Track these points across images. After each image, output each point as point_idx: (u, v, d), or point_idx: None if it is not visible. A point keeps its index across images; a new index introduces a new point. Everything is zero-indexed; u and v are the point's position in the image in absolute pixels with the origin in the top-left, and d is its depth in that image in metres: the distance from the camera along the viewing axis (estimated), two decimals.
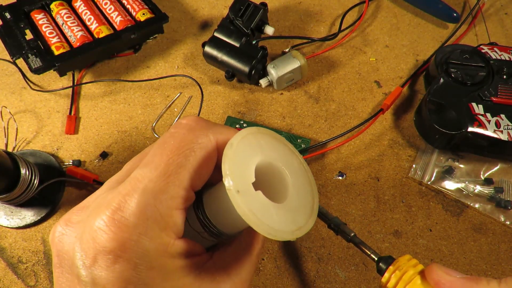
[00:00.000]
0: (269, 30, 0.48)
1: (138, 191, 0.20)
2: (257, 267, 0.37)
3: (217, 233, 0.24)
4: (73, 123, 0.45)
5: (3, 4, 0.49)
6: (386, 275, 0.24)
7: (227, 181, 0.19)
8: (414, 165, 0.42)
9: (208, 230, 0.23)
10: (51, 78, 0.49)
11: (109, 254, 0.19)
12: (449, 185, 0.40)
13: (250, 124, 0.45)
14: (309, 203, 0.22)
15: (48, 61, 0.44)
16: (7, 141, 0.44)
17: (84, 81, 0.49)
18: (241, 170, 0.20)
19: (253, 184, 0.20)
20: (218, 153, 0.23)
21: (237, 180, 0.19)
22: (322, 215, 0.31)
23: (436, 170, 0.41)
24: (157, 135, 0.45)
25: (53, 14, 0.50)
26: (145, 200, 0.19)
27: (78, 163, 0.43)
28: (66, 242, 0.21)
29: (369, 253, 0.27)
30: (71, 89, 0.47)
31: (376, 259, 0.26)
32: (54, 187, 0.40)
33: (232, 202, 0.19)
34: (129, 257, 0.19)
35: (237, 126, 0.44)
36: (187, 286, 0.21)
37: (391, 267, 0.24)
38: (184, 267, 0.21)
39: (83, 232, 0.20)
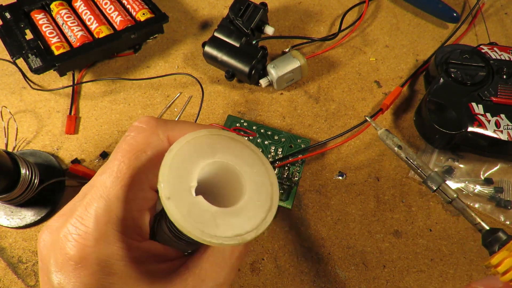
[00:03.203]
0: (269, 30, 0.48)
1: (96, 199, 0.21)
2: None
3: (185, 238, 0.23)
4: (73, 123, 0.45)
5: (3, 4, 0.49)
6: (499, 256, 0.21)
7: (160, 188, 0.19)
8: None
9: (175, 235, 0.23)
10: (51, 78, 0.49)
11: (71, 260, 0.20)
12: (449, 185, 0.40)
13: (250, 123, 0.45)
14: (266, 204, 0.21)
15: (48, 61, 0.44)
16: (7, 141, 0.44)
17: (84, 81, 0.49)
18: (179, 175, 0.20)
19: (198, 188, 0.20)
20: None
21: (170, 186, 0.19)
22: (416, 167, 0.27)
23: (436, 170, 0.41)
24: None
25: (53, 14, 0.50)
26: (103, 207, 0.20)
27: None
28: (45, 248, 0.22)
29: (478, 221, 0.23)
30: (71, 89, 0.47)
31: (487, 229, 0.22)
32: (54, 187, 0.40)
33: (164, 209, 0.19)
34: (88, 263, 0.20)
35: (237, 124, 0.44)
36: None
37: (505, 251, 0.21)
38: (151, 272, 0.21)
39: (56, 240, 0.21)
